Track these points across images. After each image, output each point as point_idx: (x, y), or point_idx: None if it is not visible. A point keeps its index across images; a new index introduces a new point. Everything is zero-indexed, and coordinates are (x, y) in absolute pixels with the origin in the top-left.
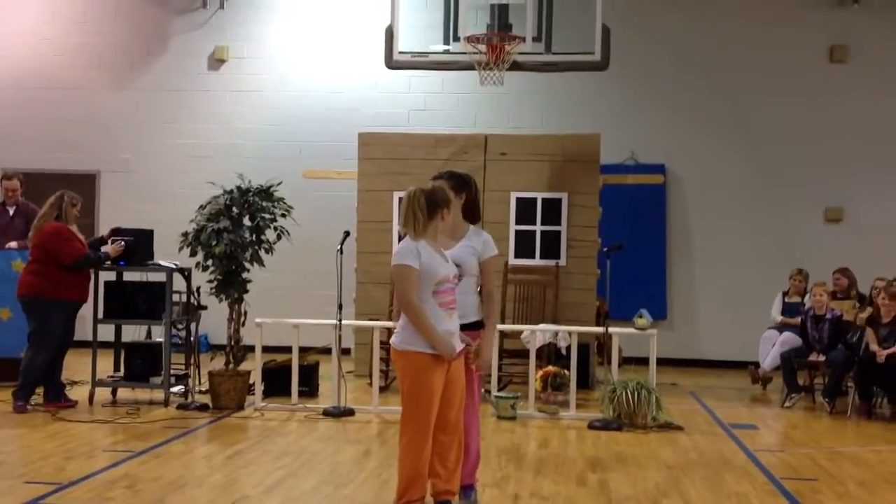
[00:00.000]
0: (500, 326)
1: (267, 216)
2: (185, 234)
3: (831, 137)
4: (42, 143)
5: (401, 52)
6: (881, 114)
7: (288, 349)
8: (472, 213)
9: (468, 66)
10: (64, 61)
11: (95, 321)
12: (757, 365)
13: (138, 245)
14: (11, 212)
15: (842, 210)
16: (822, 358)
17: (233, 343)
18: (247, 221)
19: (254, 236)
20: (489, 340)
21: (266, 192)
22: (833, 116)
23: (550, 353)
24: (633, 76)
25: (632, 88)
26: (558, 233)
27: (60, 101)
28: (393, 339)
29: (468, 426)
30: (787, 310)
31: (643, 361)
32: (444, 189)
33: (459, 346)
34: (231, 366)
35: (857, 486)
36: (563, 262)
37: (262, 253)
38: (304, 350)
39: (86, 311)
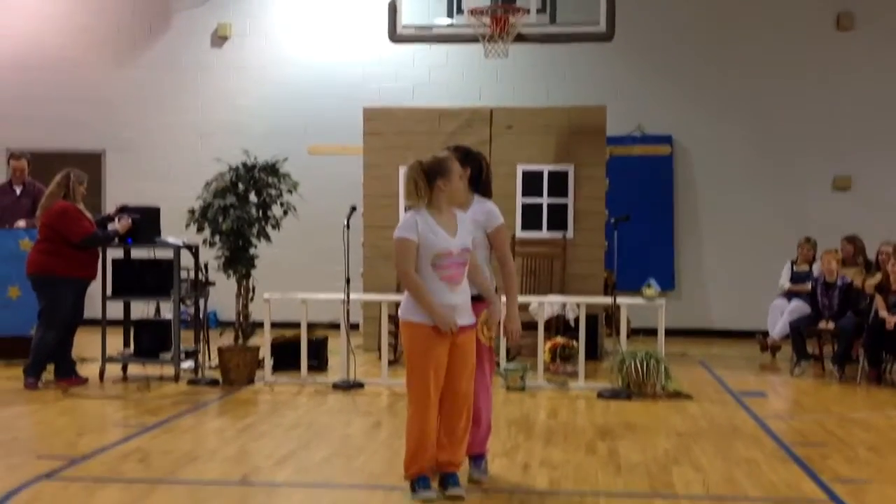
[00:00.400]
0: None
1: (273, 192)
2: (192, 211)
3: (839, 105)
4: (46, 123)
5: (404, 26)
6: (889, 81)
7: (296, 324)
8: (481, 189)
9: (472, 39)
10: (66, 41)
11: (104, 298)
12: (765, 334)
13: (145, 222)
14: (18, 191)
15: (850, 178)
16: (831, 325)
17: (241, 319)
18: (253, 198)
19: (260, 212)
20: (513, 310)
21: (272, 168)
22: (840, 84)
23: (559, 325)
24: (639, 47)
25: (637, 59)
26: (565, 205)
27: (64, 81)
28: (399, 310)
29: (477, 396)
30: (796, 278)
31: (651, 332)
32: (445, 159)
33: (466, 321)
34: (240, 341)
35: (867, 450)
36: (570, 234)
37: (268, 229)
38: (312, 325)
39: (94, 289)
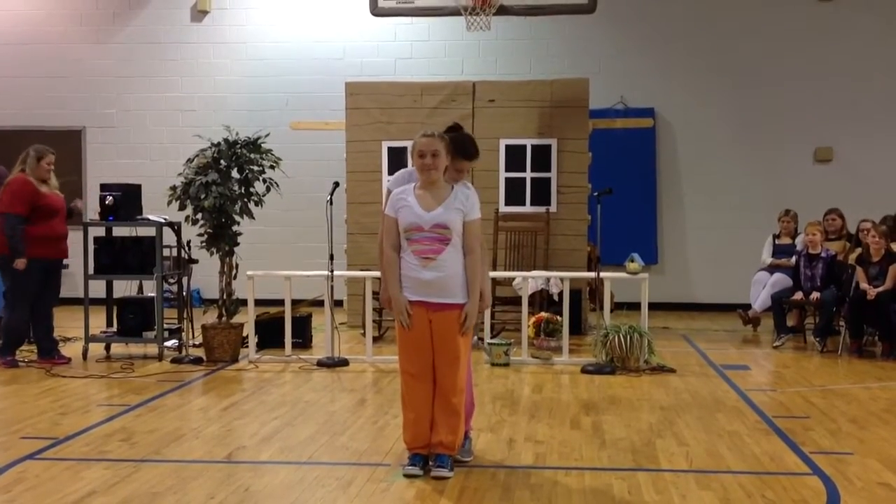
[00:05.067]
0: (493, 273)
1: (255, 168)
2: (174, 188)
3: (820, 77)
4: (25, 100)
5: None
6: (870, 53)
7: (280, 301)
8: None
9: (454, 12)
10: (44, 16)
11: (86, 277)
12: (746, 307)
13: (126, 200)
14: None
15: (831, 150)
16: (815, 296)
17: (225, 296)
18: (235, 174)
19: (243, 189)
20: (474, 297)
21: (254, 144)
22: (821, 56)
23: (542, 300)
24: (621, 19)
25: (620, 32)
26: (548, 179)
27: (42, 57)
28: None
29: None
30: (778, 251)
31: (635, 306)
32: (421, 137)
33: (440, 299)
34: (224, 319)
35: (848, 422)
36: (553, 208)
37: (251, 205)
38: (296, 302)
39: (76, 268)
